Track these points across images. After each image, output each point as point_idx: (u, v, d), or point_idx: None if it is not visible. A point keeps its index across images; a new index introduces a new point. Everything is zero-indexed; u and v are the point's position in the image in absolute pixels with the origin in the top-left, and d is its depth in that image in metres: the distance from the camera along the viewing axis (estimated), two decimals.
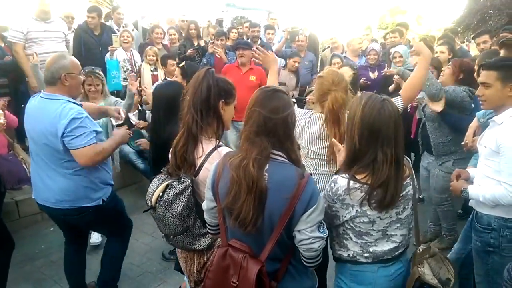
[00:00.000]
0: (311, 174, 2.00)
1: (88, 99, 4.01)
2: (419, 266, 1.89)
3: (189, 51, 6.23)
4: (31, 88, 4.95)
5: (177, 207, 1.94)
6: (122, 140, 2.88)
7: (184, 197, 1.94)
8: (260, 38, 6.84)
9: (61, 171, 2.60)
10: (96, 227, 3.05)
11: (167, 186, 1.97)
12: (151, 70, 5.76)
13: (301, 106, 4.82)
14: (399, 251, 1.90)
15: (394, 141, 1.70)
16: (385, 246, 1.86)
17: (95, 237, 4.04)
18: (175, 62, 5.17)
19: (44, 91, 2.64)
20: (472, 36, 7.09)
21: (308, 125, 2.62)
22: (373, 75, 5.68)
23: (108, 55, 5.69)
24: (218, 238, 2.05)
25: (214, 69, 2.15)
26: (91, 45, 5.87)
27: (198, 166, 2.00)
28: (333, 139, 2.20)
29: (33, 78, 4.82)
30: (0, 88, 4.82)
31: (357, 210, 1.78)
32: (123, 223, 3.14)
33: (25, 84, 5.12)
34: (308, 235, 1.63)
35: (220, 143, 2.07)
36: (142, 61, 5.99)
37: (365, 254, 1.87)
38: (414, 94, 2.73)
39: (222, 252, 1.71)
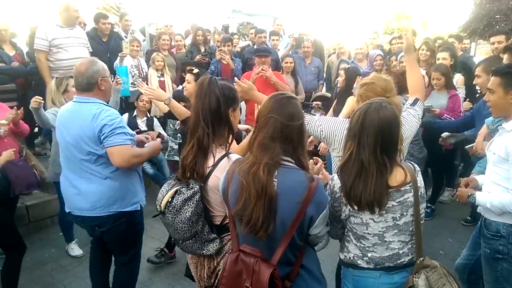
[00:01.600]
0: None
1: None
2: (414, 275, 1.86)
3: (197, 57, 6.27)
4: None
5: (186, 212, 1.94)
6: (155, 153, 2.86)
7: (192, 203, 1.94)
8: (266, 44, 6.87)
9: (99, 174, 2.55)
10: (120, 243, 2.81)
11: (176, 192, 1.97)
12: (158, 76, 5.83)
13: (307, 111, 4.83)
14: (402, 260, 1.89)
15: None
16: (384, 253, 1.88)
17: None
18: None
19: (76, 96, 2.61)
20: (489, 34, 7.27)
21: None
22: None
23: (117, 61, 5.75)
24: (228, 243, 2.07)
25: (216, 76, 2.16)
26: (100, 52, 5.90)
27: (207, 174, 2.00)
28: None
29: None
30: (7, 93, 4.83)
31: (349, 209, 1.86)
32: (138, 248, 3.00)
33: (33, 89, 5.16)
34: (322, 233, 1.78)
35: (230, 150, 2.07)
36: (149, 68, 6.05)
37: (365, 258, 1.90)
38: (423, 93, 2.77)
39: (233, 258, 1.73)
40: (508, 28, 11.67)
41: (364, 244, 1.90)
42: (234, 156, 2.02)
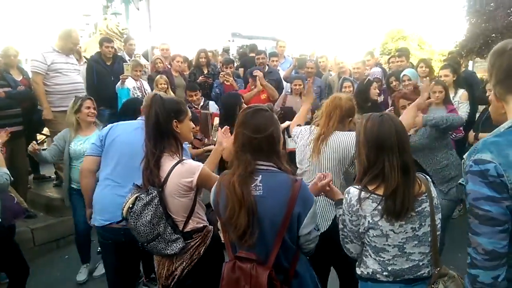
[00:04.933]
0: None
1: (80, 127, 3.78)
2: (432, 285, 1.85)
3: (200, 78, 6.35)
4: (44, 118, 5.05)
5: (146, 216, 2.08)
6: None
7: (151, 207, 2.08)
8: (268, 65, 6.94)
9: None
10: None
11: (136, 198, 2.11)
12: None
13: None
14: (422, 272, 1.86)
15: (398, 148, 1.77)
16: (404, 265, 1.85)
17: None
18: (193, 93, 5.32)
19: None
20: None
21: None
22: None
23: (119, 83, 5.79)
24: (192, 243, 2.20)
25: (160, 93, 2.30)
26: (103, 75, 6.01)
27: (163, 181, 2.12)
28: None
29: (48, 109, 4.95)
30: (13, 117, 4.83)
31: (369, 221, 1.82)
32: None
33: (38, 113, 5.19)
34: (312, 236, 1.83)
35: (184, 158, 2.23)
36: (152, 90, 6.08)
37: (384, 273, 1.86)
38: None
39: (230, 266, 1.77)
40: None
41: (384, 258, 1.86)
42: (188, 162, 2.19)
